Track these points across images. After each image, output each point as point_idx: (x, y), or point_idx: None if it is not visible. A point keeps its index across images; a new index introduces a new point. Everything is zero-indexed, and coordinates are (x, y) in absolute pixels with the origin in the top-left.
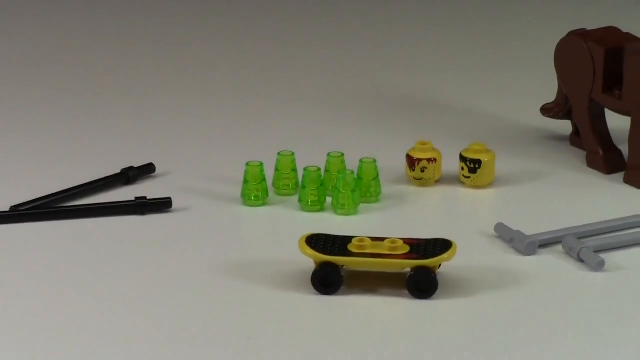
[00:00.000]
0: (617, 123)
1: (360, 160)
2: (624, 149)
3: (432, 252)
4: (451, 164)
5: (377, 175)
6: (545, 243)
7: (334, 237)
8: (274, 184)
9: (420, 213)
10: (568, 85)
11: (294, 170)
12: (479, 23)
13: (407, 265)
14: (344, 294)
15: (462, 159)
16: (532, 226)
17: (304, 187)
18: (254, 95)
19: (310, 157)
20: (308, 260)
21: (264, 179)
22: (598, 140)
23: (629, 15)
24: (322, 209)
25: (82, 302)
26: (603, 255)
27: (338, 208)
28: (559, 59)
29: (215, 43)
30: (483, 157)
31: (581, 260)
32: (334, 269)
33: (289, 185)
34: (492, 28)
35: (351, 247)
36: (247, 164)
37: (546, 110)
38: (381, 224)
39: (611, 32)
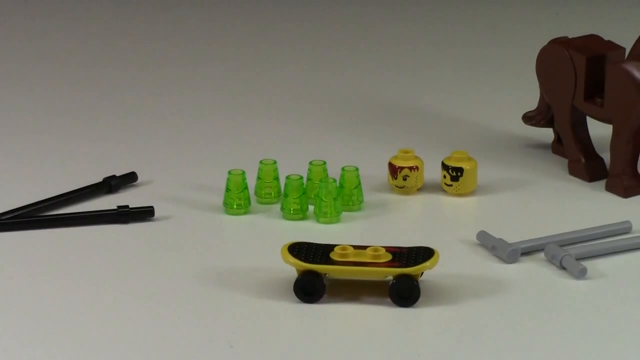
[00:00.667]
0: (599, 131)
1: (342, 169)
2: (606, 156)
3: (414, 260)
4: (433, 172)
5: (359, 184)
6: (528, 251)
7: (316, 246)
8: (256, 193)
9: (402, 221)
10: (550, 93)
11: (276, 178)
12: (460, 31)
13: (389, 274)
14: (326, 302)
15: (444, 167)
16: (514, 234)
17: (286, 195)
18: (236, 104)
19: (293, 166)
20: (290, 269)
21: (246, 188)
22: (580, 148)
23: (611, 24)
24: (304, 218)
25: (64, 311)
26: (585, 263)
27: (320, 216)
28: (540, 66)
29: (197, 52)
30: (465, 165)
31: (563, 268)
32: (316, 277)
33: (271, 194)
34: (473, 36)
35: (333, 256)
36: (229, 173)
37: (528, 118)
38: (363, 232)
39: (593, 40)
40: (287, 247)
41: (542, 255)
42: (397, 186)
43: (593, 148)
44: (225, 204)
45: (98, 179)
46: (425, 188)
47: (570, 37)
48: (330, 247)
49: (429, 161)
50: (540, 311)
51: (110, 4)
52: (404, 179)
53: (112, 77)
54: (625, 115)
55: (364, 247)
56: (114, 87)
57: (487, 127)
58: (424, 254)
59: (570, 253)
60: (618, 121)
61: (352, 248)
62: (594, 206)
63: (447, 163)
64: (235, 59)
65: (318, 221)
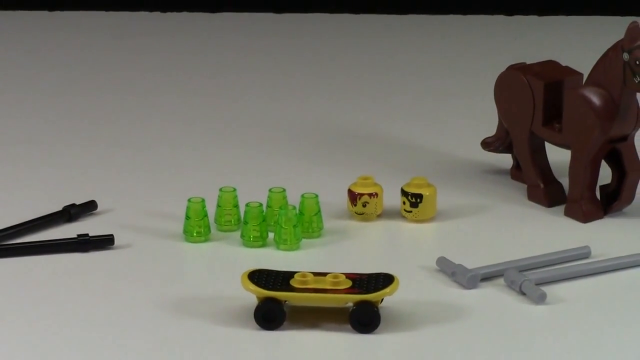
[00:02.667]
0: (558, 156)
1: (302, 196)
2: (565, 181)
3: (374, 286)
4: (393, 199)
5: (319, 211)
6: (487, 276)
7: (276, 273)
8: (216, 220)
9: (362, 248)
10: (508, 119)
11: (236, 206)
12: (418, 58)
13: (349, 300)
14: (286, 329)
15: (404, 193)
16: (473, 260)
17: (246, 222)
18: (195, 132)
19: (252, 193)
20: (250, 296)
21: (206, 215)
22: (539, 174)
23: (568, 49)
24: (264, 245)
25: (22, 341)
26: (545, 288)
27: (280, 243)
28: (498, 92)
29: (156, 79)
30: (424, 192)
31: (523, 293)
32: (276, 304)
33: (231, 221)
34: (430, 62)
35: (293, 282)
36: (189, 200)
37: (486, 144)
38: (323, 259)
39: (550, 66)
40: (247, 274)
41: (501, 280)
42: (356, 213)
43: (552, 173)
44: (185, 231)
45: (58, 207)
46: (385, 214)
47: (528, 63)
48: (290, 274)
49: (389, 188)
50: (500, 336)
51: (64, 31)
52: (364, 206)
53: (71, 105)
54: (584, 140)
55: (324, 274)
56: (72, 115)
57: (446, 153)
58: (383, 280)
59: (529, 278)
60: (576, 146)
61: (312, 275)
62: (553, 231)
63: (407, 189)
64: (195, 87)
65: (278, 248)
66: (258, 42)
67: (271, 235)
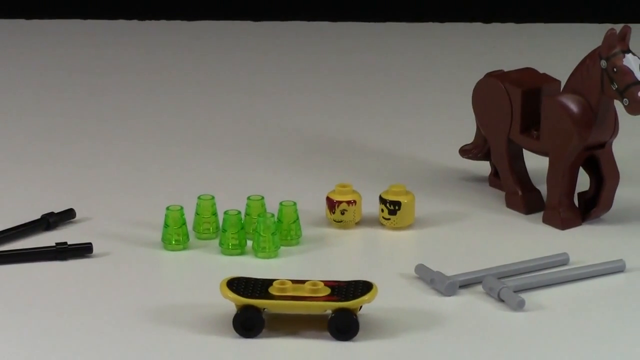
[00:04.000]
0: (536, 163)
1: (280, 204)
2: (543, 189)
3: (352, 294)
4: (371, 206)
5: (297, 218)
6: (466, 283)
7: (255, 280)
8: (194, 228)
9: (340, 255)
10: (486, 126)
11: (215, 214)
12: (396, 66)
13: (328, 308)
14: (265, 336)
15: (382, 200)
16: (452, 267)
17: (224, 230)
18: (173, 140)
19: (230, 201)
20: (229, 304)
21: (185, 223)
22: (517, 181)
23: (546, 57)
24: (242, 253)
25: (1, 349)
26: (523, 295)
27: (259, 251)
28: (476, 100)
29: (134, 87)
30: (402, 199)
31: (501, 300)
32: (255, 312)
33: (209, 229)
34: (409, 70)
35: (272, 290)
36: (167, 208)
37: (465, 152)
38: (302, 266)
39: (528, 73)
40: (225, 282)
41: (480, 287)
42: (335, 220)
43: (530, 180)
44: (163, 239)
45: (36, 215)
46: (363, 222)
47: (505, 70)
48: (269, 282)
49: (367, 195)
50: (478, 343)
51: (41, 39)
52: (342, 213)
53: (49, 114)
54: (561, 147)
55: (303, 282)
56: (50, 124)
57: (424, 160)
58: (362, 287)
59: (508, 285)
60: (554, 153)
61: (290, 282)
62: (531, 238)
63: (385, 197)
64: (172, 95)
65: (256, 256)
66: (236, 50)
67: (250, 243)
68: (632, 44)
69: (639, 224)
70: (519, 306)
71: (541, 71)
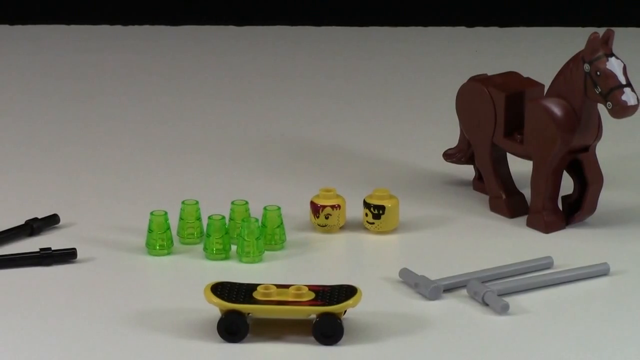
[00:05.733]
0: (519, 167)
1: (264, 208)
2: (527, 192)
3: (337, 298)
4: (355, 210)
5: (282, 223)
6: (450, 287)
7: (239, 285)
8: (178, 233)
9: (325, 259)
10: (470, 130)
11: (199, 219)
12: (380, 69)
13: (312, 312)
14: (250, 341)
15: (366, 205)
16: (436, 271)
17: (208, 235)
18: (157, 145)
19: (214, 206)
20: (214, 309)
21: (169, 228)
22: (501, 185)
23: (529, 60)
24: (227, 257)
25: None
26: (507, 299)
27: (243, 256)
28: (460, 104)
29: (117, 92)
30: (387, 203)
31: (486, 304)
32: (239, 317)
33: (193, 234)
34: (392, 74)
35: (256, 295)
36: (151, 213)
37: (448, 156)
38: (286, 271)
39: (512, 77)
40: (210, 287)
41: (464, 291)
42: (319, 225)
43: (514, 184)
44: (147, 245)
45: (20, 221)
46: (348, 226)
47: (489, 74)
48: (253, 287)
49: (351, 199)
50: (463, 347)
51: (25, 45)
52: (326, 218)
53: (32, 119)
54: (545, 151)
55: (287, 286)
56: (34, 129)
57: (408, 164)
58: (346, 292)
59: (492, 289)
60: (538, 157)
61: (275, 287)
62: (515, 242)
63: (369, 201)
64: (156, 101)
65: (241, 261)
66: (220, 55)
67: (234, 247)
68: (615, 48)
69: (623, 228)
70: (503, 310)
71: (525, 75)
